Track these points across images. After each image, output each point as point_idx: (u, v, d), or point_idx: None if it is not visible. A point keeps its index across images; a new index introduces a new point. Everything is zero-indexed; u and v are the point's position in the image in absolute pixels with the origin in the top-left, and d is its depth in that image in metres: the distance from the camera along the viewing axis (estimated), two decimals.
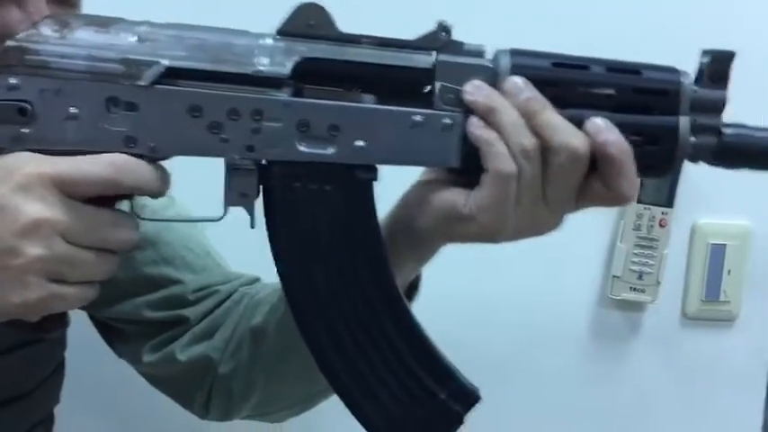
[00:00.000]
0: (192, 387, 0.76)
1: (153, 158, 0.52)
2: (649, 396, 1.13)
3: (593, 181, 0.53)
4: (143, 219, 0.55)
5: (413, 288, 0.65)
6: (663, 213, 1.07)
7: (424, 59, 0.53)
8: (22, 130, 0.51)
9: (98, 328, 0.79)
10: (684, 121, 0.53)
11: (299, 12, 0.52)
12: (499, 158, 0.51)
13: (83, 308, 0.73)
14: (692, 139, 0.54)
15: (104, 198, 0.52)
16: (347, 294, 0.55)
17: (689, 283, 1.11)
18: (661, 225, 1.07)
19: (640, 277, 1.08)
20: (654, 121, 0.53)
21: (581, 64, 0.53)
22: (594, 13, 1.02)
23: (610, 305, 1.11)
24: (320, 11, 0.52)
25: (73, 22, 0.51)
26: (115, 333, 0.78)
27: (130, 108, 0.51)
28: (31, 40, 0.51)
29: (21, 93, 0.50)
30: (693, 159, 0.55)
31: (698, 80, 0.54)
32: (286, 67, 0.52)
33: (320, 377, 0.57)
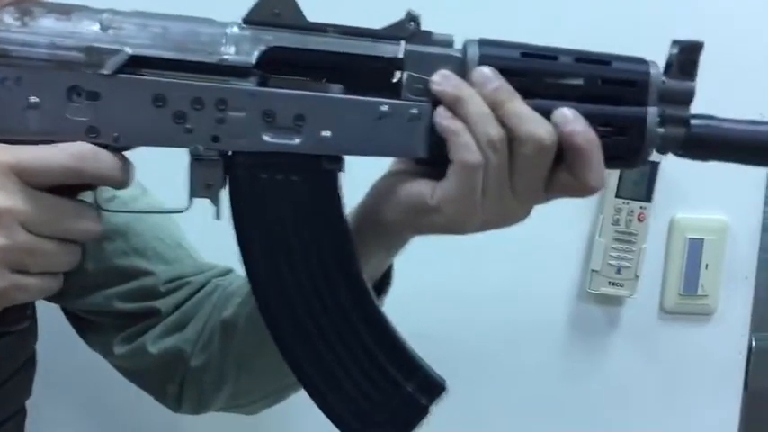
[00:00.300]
0: (164, 379, 0.75)
1: (116, 148, 0.51)
2: (628, 389, 1.13)
3: (560, 172, 0.53)
4: (106, 210, 0.54)
5: (385, 280, 0.65)
6: (641, 208, 1.07)
7: (392, 49, 0.52)
8: None
9: (70, 320, 0.78)
10: (653, 112, 0.53)
11: (266, 0, 0.52)
12: (465, 149, 0.51)
13: (54, 300, 0.73)
14: (660, 130, 0.54)
15: (66, 188, 0.51)
16: (313, 286, 0.55)
17: (667, 277, 1.11)
18: (639, 219, 1.07)
19: (619, 271, 1.08)
20: (622, 112, 0.53)
21: (549, 54, 0.53)
22: (565, 3, 1.02)
23: (588, 299, 1.11)
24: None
25: (35, 10, 0.50)
26: (87, 325, 0.77)
27: (93, 97, 0.50)
28: None
29: None
30: (662, 150, 0.55)
31: (667, 71, 0.54)
32: (252, 57, 0.51)
33: None
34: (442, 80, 0.52)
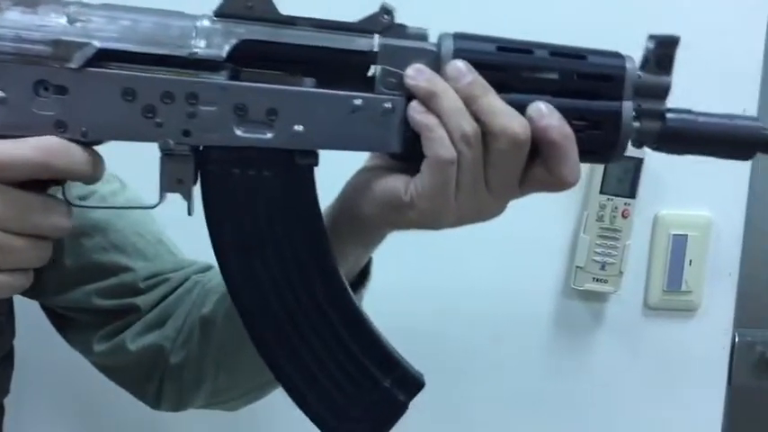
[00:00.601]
0: (144, 377, 0.75)
1: (85, 143, 0.51)
2: (612, 385, 1.13)
3: (535, 166, 0.53)
4: (75, 205, 0.54)
5: (364, 275, 0.65)
6: (625, 204, 1.07)
7: (366, 42, 0.52)
8: None
9: (49, 317, 0.78)
10: (628, 107, 0.53)
11: None
12: (438, 144, 0.50)
13: (32, 296, 0.72)
14: (636, 124, 0.54)
15: (35, 183, 0.50)
16: (288, 282, 0.54)
17: (651, 273, 1.11)
18: (623, 216, 1.07)
19: (603, 268, 1.08)
20: (597, 106, 0.53)
21: (525, 48, 0.53)
22: None
23: (573, 296, 1.11)
24: None
25: (1, 3, 0.50)
26: (66, 322, 0.77)
27: (60, 91, 0.49)
28: None
29: None
30: (637, 144, 0.55)
31: (643, 65, 0.54)
32: (223, 50, 0.50)
33: None
34: (416, 74, 0.51)
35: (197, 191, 0.54)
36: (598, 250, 1.08)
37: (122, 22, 0.50)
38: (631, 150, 0.55)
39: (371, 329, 0.56)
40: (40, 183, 0.51)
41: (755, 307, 1.16)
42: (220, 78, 0.51)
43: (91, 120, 0.50)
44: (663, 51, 0.53)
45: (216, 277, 0.74)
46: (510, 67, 0.52)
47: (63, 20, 0.50)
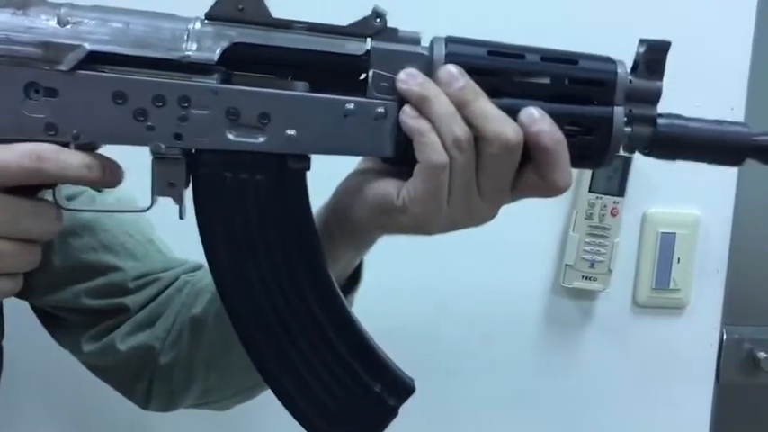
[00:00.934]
0: (133, 377, 0.74)
1: (77, 146, 0.50)
2: (601, 383, 1.14)
3: (527, 172, 0.52)
4: (65, 209, 0.54)
5: (354, 278, 0.64)
6: (614, 203, 1.08)
7: (358, 46, 0.52)
8: None
9: (39, 317, 0.77)
10: (619, 112, 0.53)
11: None
12: (430, 149, 0.50)
13: (22, 296, 0.71)
14: (627, 129, 0.54)
15: (26, 187, 0.50)
16: (279, 286, 0.54)
17: (639, 271, 1.12)
18: (612, 214, 1.08)
19: (592, 266, 1.09)
20: (589, 112, 0.53)
21: (517, 53, 0.53)
22: (532, 1, 1.02)
23: (562, 294, 1.12)
24: None
25: None
26: (55, 322, 0.76)
27: (51, 94, 0.49)
28: None
29: None
30: (629, 150, 0.55)
31: (634, 70, 0.54)
32: (215, 53, 0.50)
33: None
34: (408, 78, 0.51)
35: (189, 194, 0.53)
36: (587, 248, 1.08)
37: (113, 24, 0.50)
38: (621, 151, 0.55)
39: (362, 333, 0.56)
40: (31, 187, 0.50)
41: (743, 304, 1.16)
42: (212, 82, 0.50)
43: (82, 123, 0.50)
44: (654, 56, 0.53)
45: (206, 277, 0.74)
46: (502, 71, 0.52)
47: (53, 22, 0.49)
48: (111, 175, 0.52)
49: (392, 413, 0.57)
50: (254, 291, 0.54)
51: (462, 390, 1.11)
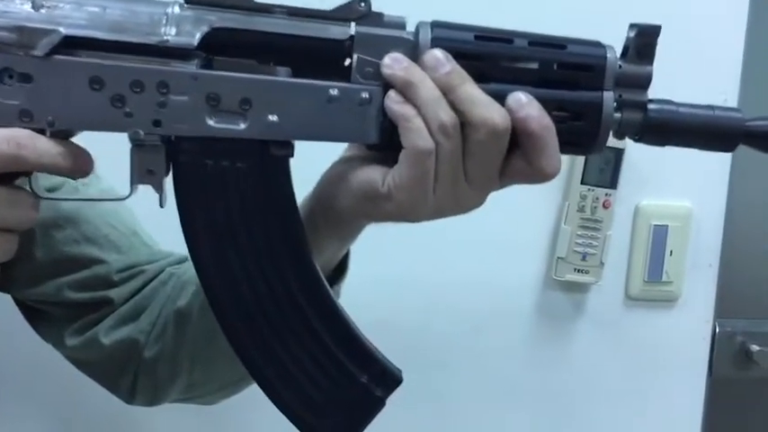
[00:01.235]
0: (118, 371, 0.73)
1: (53, 134, 0.49)
2: (593, 376, 1.14)
3: (515, 158, 0.52)
4: (42, 197, 0.52)
5: (341, 270, 0.64)
6: (606, 195, 1.07)
7: (341, 31, 0.51)
8: None
9: (21, 311, 0.76)
10: (608, 97, 0.52)
11: None
12: (416, 135, 0.49)
13: (4, 289, 0.71)
14: (617, 115, 0.53)
15: (1, 175, 0.49)
16: (263, 276, 0.53)
17: (632, 263, 1.11)
18: (605, 206, 1.07)
19: (584, 258, 1.08)
20: (577, 97, 0.52)
21: (504, 37, 0.52)
22: None
23: (554, 286, 1.11)
24: None
25: None
26: (38, 315, 0.75)
27: (25, 80, 0.48)
28: None
29: None
30: (618, 136, 0.54)
31: (624, 55, 0.53)
32: (194, 38, 0.49)
33: None
34: (393, 63, 0.50)
35: (169, 182, 0.52)
36: (579, 241, 1.08)
37: (90, 8, 0.49)
38: (612, 141, 0.55)
39: (347, 323, 0.55)
40: (6, 175, 0.49)
41: (736, 297, 1.16)
42: (191, 67, 0.49)
43: (57, 109, 0.49)
44: (644, 40, 0.52)
45: (191, 269, 0.72)
46: (489, 56, 0.51)
47: (28, 6, 0.48)
48: (83, 164, 0.51)
49: (379, 404, 0.56)
50: (236, 279, 0.53)
51: (452, 382, 1.10)
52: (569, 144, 0.52)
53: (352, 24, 0.51)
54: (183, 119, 0.50)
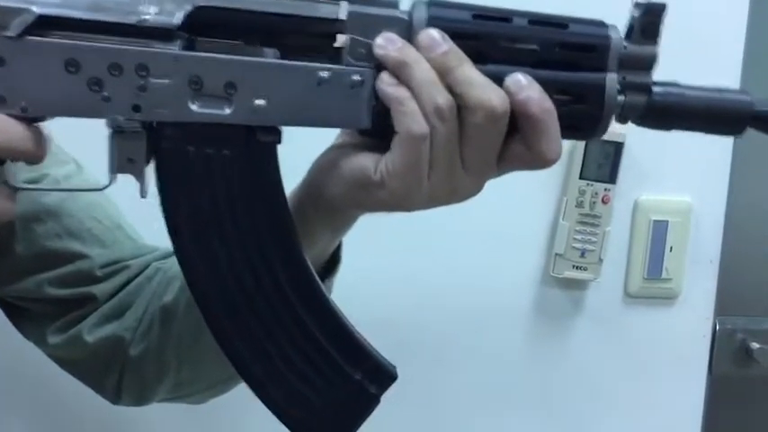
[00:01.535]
0: (102, 370, 0.71)
1: (27, 119, 0.47)
2: (592, 373, 1.12)
3: (513, 142, 0.49)
4: (19, 188, 0.50)
5: (333, 262, 0.61)
6: (605, 190, 1.05)
7: (332, 9, 0.48)
8: None
9: (2, 308, 0.74)
10: (612, 79, 0.50)
11: None
12: (410, 118, 0.47)
13: None
14: (621, 97, 0.51)
15: None
16: (249, 268, 0.51)
17: (631, 260, 1.10)
18: (603, 202, 1.05)
19: (583, 255, 1.06)
20: (579, 79, 0.50)
21: (503, 16, 0.50)
22: None
23: (552, 283, 1.10)
24: None
25: None
26: (19, 312, 0.73)
27: None
28: None
29: None
30: (621, 120, 0.52)
31: (628, 35, 0.51)
32: (176, 17, 0.47)
33: None
34: (386, 43, 0.48)
35: (150, 171, 0.50)
36: (578, 237, 1.06)
37: None
38: (612, 134, 0.52)
39: (340, 318, 0.53)
40: None
41: (736, 295, 1.15)
42: (173, 48, 0.47)
43: (31, 93, 0.46)
44: (649, 19, 0.50)
45: (177, 264, 0.71)
46: (487, 36, 0.49)
47: None
48: (45, 150, 0.49)
49: (374, 401, 0.54)
50: (221, 271, 0.51)
51: (449, 379, 1.09)
52: (570, 128, 0.50)
53: (344, 3, 0.49)
54: (164, 103, 0.47)
